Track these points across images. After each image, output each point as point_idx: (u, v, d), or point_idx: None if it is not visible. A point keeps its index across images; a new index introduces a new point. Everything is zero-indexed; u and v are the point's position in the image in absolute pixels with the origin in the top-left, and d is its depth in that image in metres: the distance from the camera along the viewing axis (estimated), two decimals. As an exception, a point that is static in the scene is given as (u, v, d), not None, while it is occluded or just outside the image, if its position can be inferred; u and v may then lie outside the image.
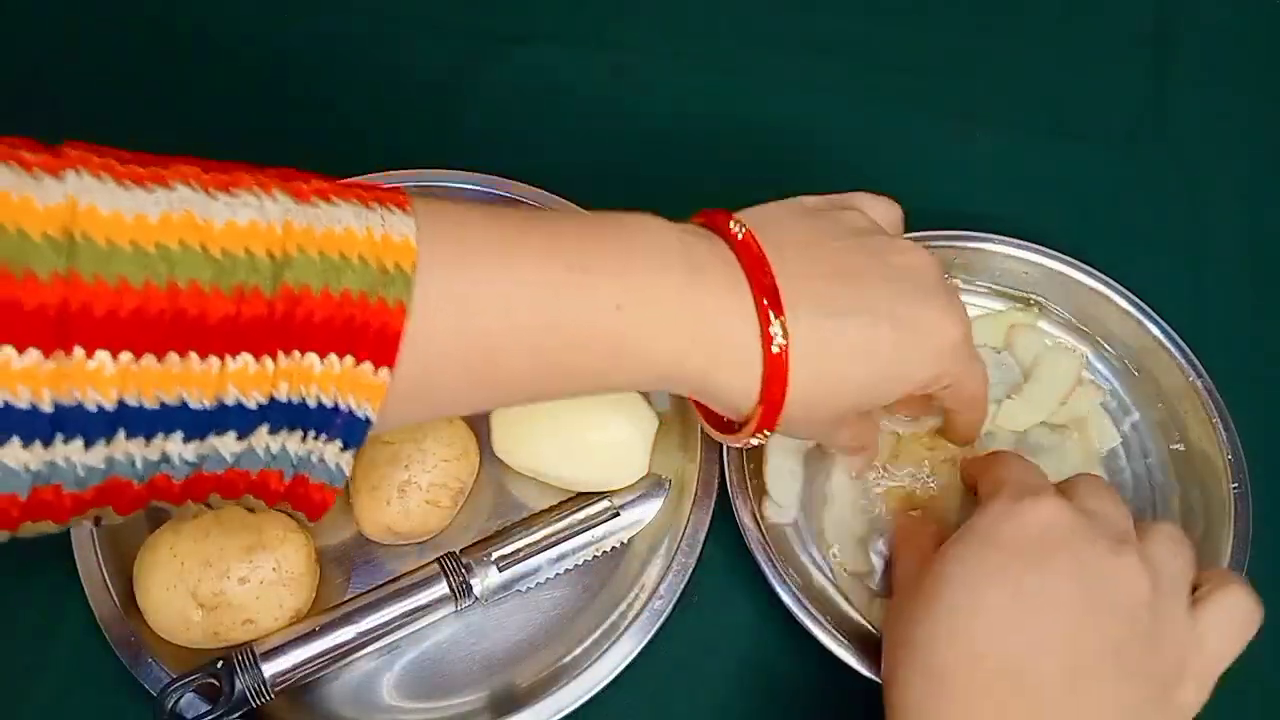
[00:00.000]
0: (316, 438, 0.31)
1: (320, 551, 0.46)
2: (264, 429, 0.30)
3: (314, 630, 0.42)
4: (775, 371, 0.35)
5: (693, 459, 0.47)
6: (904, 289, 0.38)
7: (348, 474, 0.32)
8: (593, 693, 0.42)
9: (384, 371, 0.30)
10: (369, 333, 0.30)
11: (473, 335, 0.32)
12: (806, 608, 0.43)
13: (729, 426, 0.40)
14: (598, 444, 0.47)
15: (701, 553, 0.45)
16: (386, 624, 0.43)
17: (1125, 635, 0.35)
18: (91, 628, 0.42)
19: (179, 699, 0.40)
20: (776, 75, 0.63)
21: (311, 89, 0.62)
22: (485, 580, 0.45)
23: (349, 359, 0.30)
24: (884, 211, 0.42)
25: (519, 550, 0.46)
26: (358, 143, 0.59)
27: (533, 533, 0.46)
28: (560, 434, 0.47)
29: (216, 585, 0.42)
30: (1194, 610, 0.37)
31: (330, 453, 0.31)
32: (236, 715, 0.41)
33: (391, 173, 0.53)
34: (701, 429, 0.45)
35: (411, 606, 0.43)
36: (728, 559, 0.47)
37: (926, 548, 0.42)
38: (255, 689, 0.41)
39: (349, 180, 0.33)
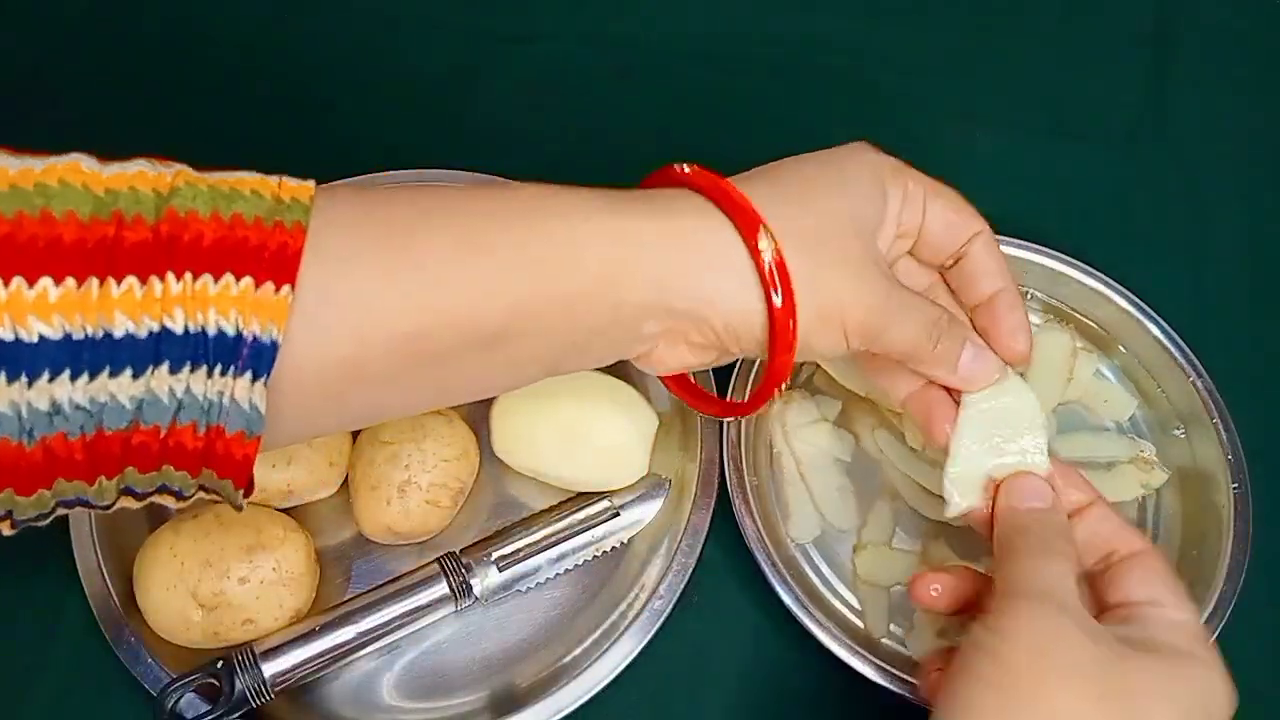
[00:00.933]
0: (224, 372, 0.29)
1: (320, 551, 0.46)
2: (163, 368, 0.28)
3: (314, 630, 0.42)
4: (782, 293, 0.34)
5: (693, 459, 0.47)
6: (843, 160, 0.39)
7: (263, 411, 0.29)
8: (593, 693, 0.42)
9: (286, 289, 0.29)
10: (266, 253, 0.29)
11: (390, 309, 0.31)
12: (806, 607, 0.43)
13: (731, 407, 0.40)
14: (598, 444, 0.47)
15: (701, 553, 0.45)
16: (386, 624, 0.43)
17: None
18: (91, 628, 0.43)
19: (179, 699, 0.40)
20: (777, 75, 0.63)
21: (312, 89, 0.62)
22: (485, 580, 0.45)
23: (247, 279, 0.28)
24: None
25: (519, 550, 0.46)
26: (358, 142, 0.59)
27: (533, 533, 0.46)
28: (560, 434, 0.47)
29: (216, 585, 0.42)
30: None
31: (240, 389, 0.29)
32: (236, 715, 0.41)
33: (391, 172, 0.53)
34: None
35: (411, 606, 0.43)
36: (728, 559, 0.47)
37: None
38: (255, 689, 0.41)
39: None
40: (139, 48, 0.63)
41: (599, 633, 0.45)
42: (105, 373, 0.27)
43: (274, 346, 0.29)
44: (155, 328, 0.28)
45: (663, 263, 0.34)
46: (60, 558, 0.44)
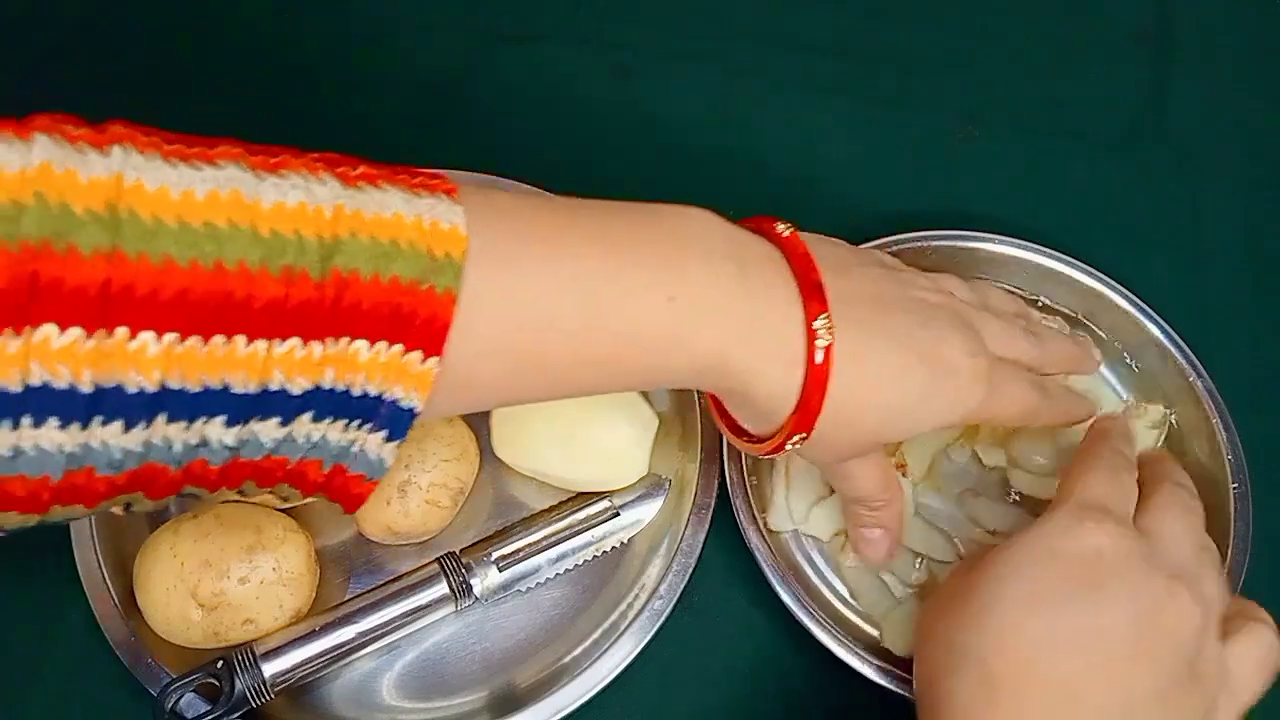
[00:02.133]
0: (360, 427, 0.30)
1: (320, 551, 0.46)
2: (307, 416, 0.29)
3: (314, 630, 0.42)
4: (817, 373, 0.35)
5: (693, 459, 0.47)
6: (929, 326, 0.38)
7: (389, 465, 0.31)
8: (593, 693, 0.42)
9: (432, 361, 0.30)
10: (418, 321, 0.29)
11: (520, 326, 0.32)
12: (806, 607, 0.43)
13: (750, 434, 0.39)
14: (598, 444, 0.47)
15: (701, 552, 0.45)
16: (386, 624, 0.43)
17: (1171, 675, 0.35)
18: (91, 628, 0.43)
19: (179, 699, 0.40)
20: (777, 75, 0.63)
21: (311, 89, 0.62)
22: (485, 580, 0.45)
23: (397, 347, 0.29)
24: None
25: (519, 550, 0.46)
26: (358, 142, 0.58)
27: (533, 533, 0.46)
28: (560, 434, 0.47)
29: (216, 585, 0.42)
30: (1224, 645, 0.36)
31: (373, 443, 0.31)
32: (236, 715, 0.41)
33: (391, 173, 0.53)
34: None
35: (411, 606, 0.43)
36: (728, 559, 0.47)
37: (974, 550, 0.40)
38: (255, 689, 0.41)
39: (394, 165, 0.32)
40: (137, 49, 0.63)
41: (599, 633, 0.45)
42: (255, 419, 0.29)
43: (412, 414, 0.30)
44: (309, 386, 0.29)
45: (722, 344, 0.35)
46: (60, 558, 0.44)
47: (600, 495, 0.48)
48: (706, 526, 0.46)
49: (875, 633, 0.46)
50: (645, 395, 0.48)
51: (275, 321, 0.28)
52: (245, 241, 0.27)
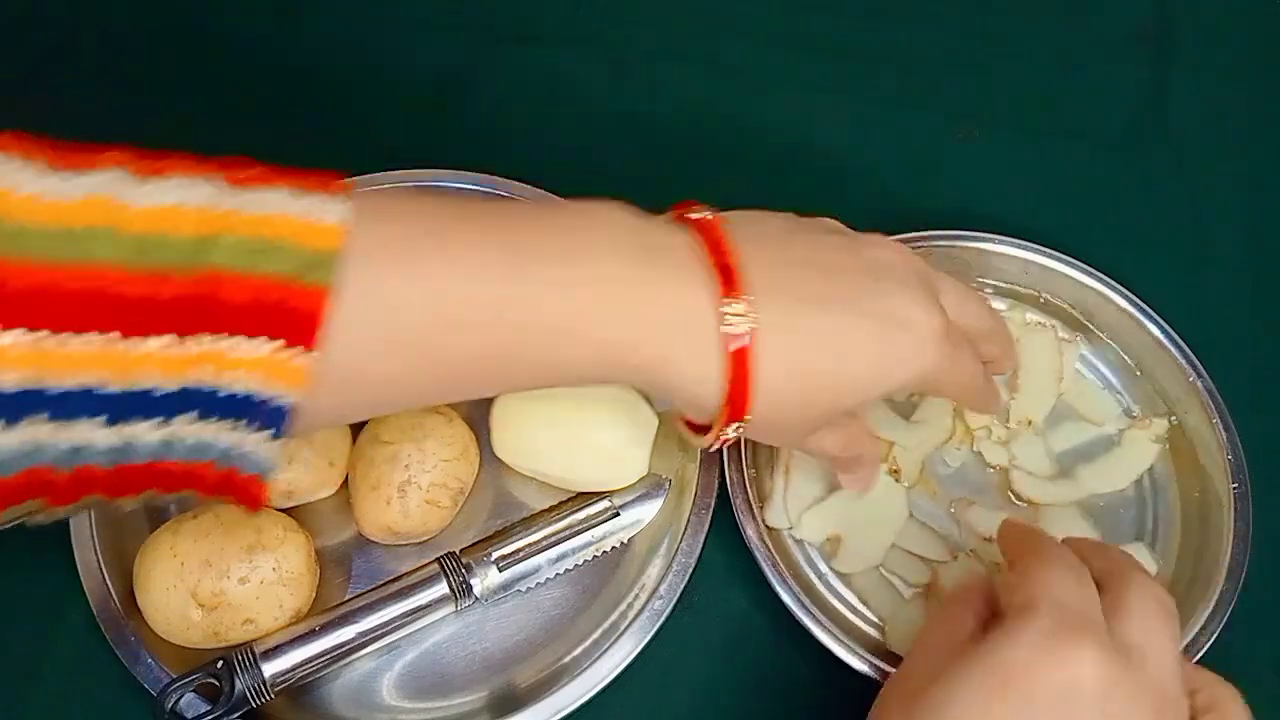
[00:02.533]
0: (240, 425, 0.30)
1: (320, 551, 0.46)
2: (185, 416, 0.29)
3: (314, 630, 0.42)
4: (737, 360, 0.34)
5: (693, 459, 0.47)
6: (880, 283, 0.36)
7: (278, 464, 0.31)
8: (593, 693, 0.42)
9: (307, 355, 0.29)
10: (291, 315, 0.29)
11: (406, 324, 0.31)
12: (806, 607, 0.43)
13: (700, 427, 0.38)
14: (598, 444, 0.47)
15: (701, 553, 0.45)
16: (386, 624, 0.43)
17: None
18: (91, 628, 0.42)
19: (179, 699, 0.40)
20: (776, 75, 0.63)
21: (311, 89, 0.62)
22: (485, 580, 0.45)
23: (271, 342, 0.29)
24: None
25: (519, 550, 0.46)
26: (358, 142, 0.59)
27: (533, 533, 0.46)
28: (560, 434, 0.47)
29: (216, 585, 0.42)
30: None
31: (256, 443, 0.30)
32: (236, 715, 0.41)
33: (391, 172, 0.53)
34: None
35: (411, 606, 0.43)
36: (727, 559, 0.47)
37: (959, 633, 0.36)
38: (255, 689, 0.41)
39: (294, 169, 0.32)
40: (137, 49, 0.63)
41: (599, 633, 0.45)
42: (135, 419, 0.29)
43: (290, 409, 0.30)
44: (184, 383, 0.29)
45: (625, 335, 0.34)
46: (60, 558, 0.44)
47: (600, 495, 0.48)
48: (706, 526, 0.46)
49: (875, 632, 0.46)
50: (645, 395, 0.48)
51: (146, 318, 0.28)
52: (113, 241, 0.28)
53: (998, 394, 0.45)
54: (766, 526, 0.46)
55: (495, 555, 0.45)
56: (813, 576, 0.47)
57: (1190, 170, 0.61)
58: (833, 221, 0.40)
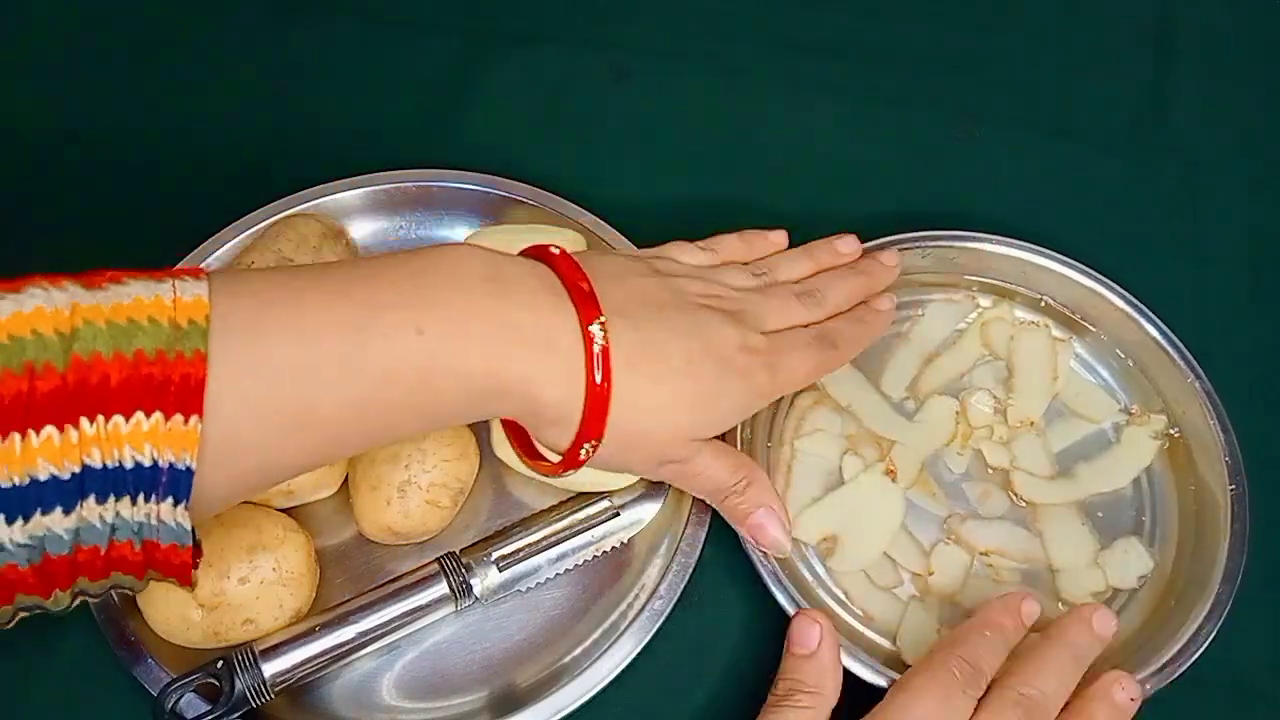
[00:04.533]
0: (147, 499, 0.31)
1: (320, 551, 0.46)
2: (90, 500, 0.30)
3: (314, 630, 0.42)
4: (599, 372, 0.37)
5: (692, 459, 0.47)
6: (703, 323, 0.41)
7: (190, 529, 0.32)
8: (593, 693, 0.42)
9: (194, 419, 0.31)
10: (170, 387, 0.30)
11: (271, 389, 0.33)
12: (802, 608, 0.43)
13: (543, 460, 0.42)
14: (597, 444, 0.47)
15: (701, 553, 0.46)
16: (386, 624, 0.43)
17: None
18: (91, 628, 0.43)
19: (179, 699, 0.40)
20: (776, 75, 0.63)
21: (311, 89, 0.62)
22: (485, 580, 0.45)
23: (156, 415, 0.30)
24: (691, 256, 0.46)
25: (519, 550, 0.46)
26: (358, 143, 0.59)
27: (533, 533, 0.46)
28: (560, 434, 0.47)
29: (216, 585, 0.42)
30: None
31: (165, 512, 0.31)
32: (236, 715, 0.41)
33: (391, 172, 0.53)
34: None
35: (411, 606, 0.43)
36: (727, 559, 0.47)
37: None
38: (255, 689, 0.41)
39: (146, 269, 0.33)
40: (137, 49, 0.63)
41: (599, 633, 0.45)
42: (38, 513, 0.30)
43: (189, 473, 0.31)
44: (76, 469, 0.30)
45: (489, 363, 0.36)
46: (60, 558, 0.44)
47: (600, 495, 0.48)
48: (706, 526, 0.46)
49: (870, 632, 0.46)
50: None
51: (26, 413, 0.29)
52: None
53: (869, 325, 0.47)
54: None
55: (495, 555, 0.45)
56: (808, 576, 0.47)
57: (1190, 170, 0.61)
58: (656, 262, 0.44)
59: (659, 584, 0.45)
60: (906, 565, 0.47)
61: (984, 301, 0.54)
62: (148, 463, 0.30)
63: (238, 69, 0.62)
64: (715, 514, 0.46)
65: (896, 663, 0.44)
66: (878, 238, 0.51)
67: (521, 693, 0.44)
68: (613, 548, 0.47)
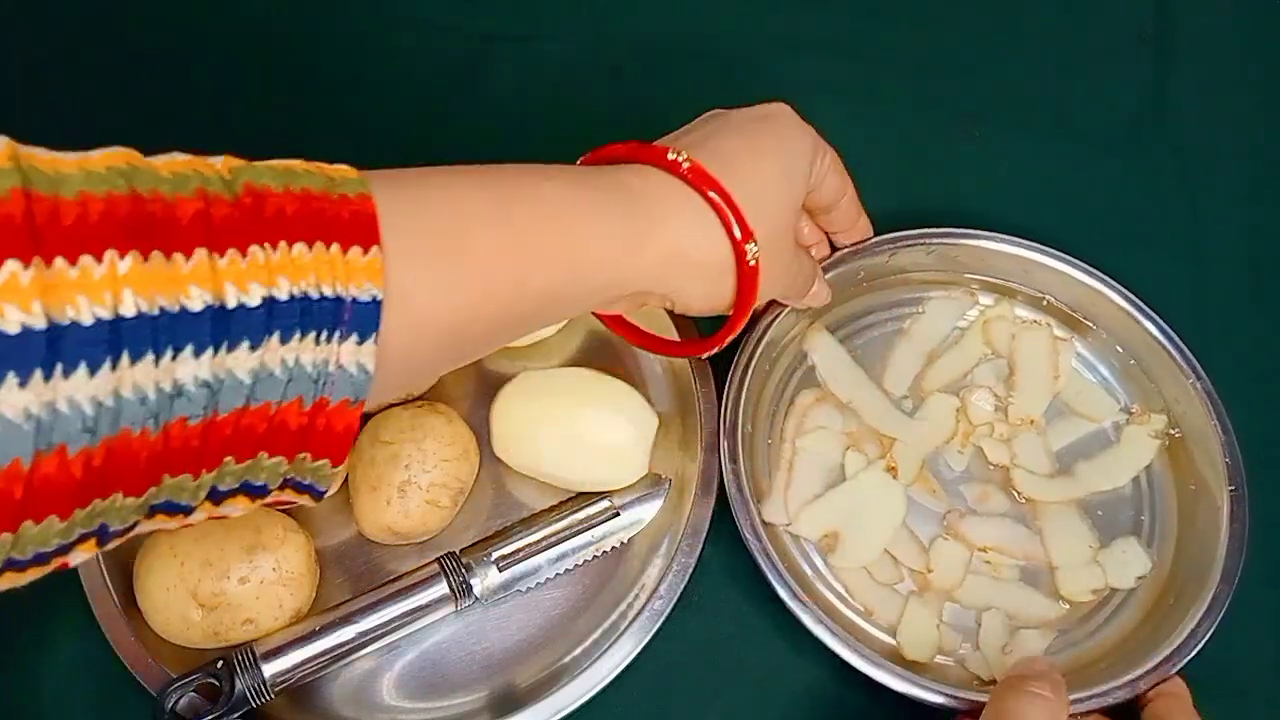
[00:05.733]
0: (330, 338, 0.30)
1: (320, 551, 0.46)
2: (275, 338, 0.28)
3: (314, 630, 0.42)
4: (715, 189, 0.40)
5: (693, 459, 0.47)
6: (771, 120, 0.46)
7: (371, 371, 0.30)
8: (593, 693, 0.43)
9: (374, 250, 0.30)
10: (343, 220, 0.30)
11: (438, 233, 0.33)
12: (806, 606, 0.43)
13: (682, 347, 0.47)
14: (598, 444, 0.47)
15: (701, 553, 0.45)
16: (386, 624, 0.43)
17: None
18: (91, 628, 0.43)
19: (179, 699, 0.40)
20: (777, 75, 0.63)
21: (311, 89, 0.62)
22: (485, 580, 0.45)
23: (335, 246, 0.29)
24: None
25: (519, 550, 0.46)
26: (358, 142, 0.58)
27: (533, 533, 0.46)
28: (560, 434, 0.47)
29: (216, 585, 0.42)
30: None
31: (347, 352, 0.30)
32: (236, 715, 0.41)
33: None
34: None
35: (411, 606, 0.43)
36: (727, 559, 0.47)
37: None
38: (255, 689, 0.41)
39: None
40: (137, 49, 0.63)
41: (599, 633, 0.45)
42: (225, 347, 0.28)
43: (376, 305, 0.30)
44: (265, 294, 0.28)
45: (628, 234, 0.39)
46: (60, 558, 0.44)
47: (600, 495, 0.48)
48: (706, 526, 0.46)
49: (872, 629, 0.46)
50: (645, 395, 0.48)
51: (207, 234, 0.28)
52: (152, 177, 0.28)
53: (827, 292, 0.49)
54: (764, 522, 0.46)
55: (495, 555, 0.45)
56: (811, 576, 0.47)
57: (1190, 170, 0.61)
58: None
59: (659, 584, 0.45)
60: (907, 562, 0.47)
61: (985, 299, 0.54)
62: (333, 294, 0.29)
63: (235, 67, 0.62)
64: (715, 514, 0.46)
65: (896, 657, 0.44)
66: (878, 236, 0.52)
67: (521, 693, 0.44)
68: (613, 548, 0.47)
